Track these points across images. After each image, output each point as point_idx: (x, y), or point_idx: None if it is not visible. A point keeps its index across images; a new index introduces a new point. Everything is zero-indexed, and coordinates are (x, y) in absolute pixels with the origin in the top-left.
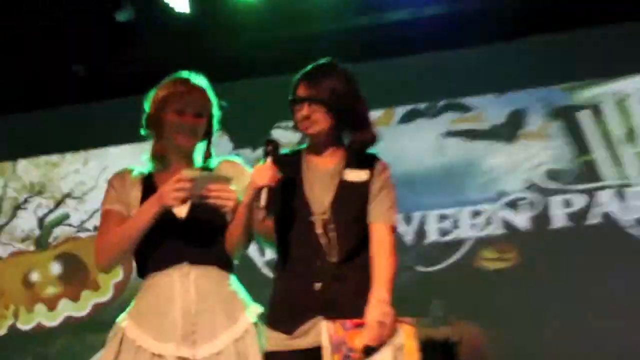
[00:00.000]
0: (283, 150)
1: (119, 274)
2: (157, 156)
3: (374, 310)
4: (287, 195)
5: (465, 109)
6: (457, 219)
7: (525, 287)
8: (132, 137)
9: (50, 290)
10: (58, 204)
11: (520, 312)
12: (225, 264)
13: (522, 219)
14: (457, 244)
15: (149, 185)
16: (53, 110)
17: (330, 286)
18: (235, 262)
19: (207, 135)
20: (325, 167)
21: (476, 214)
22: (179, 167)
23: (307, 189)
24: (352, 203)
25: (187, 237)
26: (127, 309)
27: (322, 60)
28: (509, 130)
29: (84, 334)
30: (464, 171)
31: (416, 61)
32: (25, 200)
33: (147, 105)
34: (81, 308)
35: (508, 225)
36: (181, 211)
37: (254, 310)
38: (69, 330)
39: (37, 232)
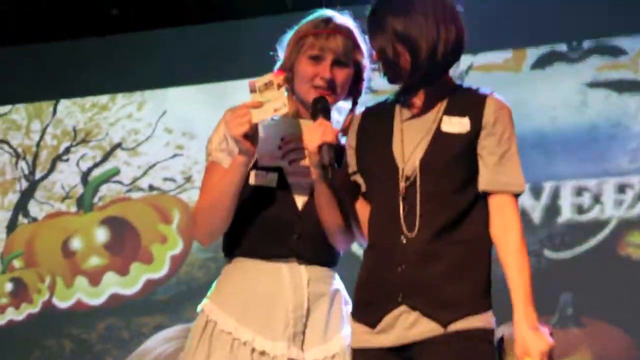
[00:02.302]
0: (374, 101)
1: (177, 246)
2: (289, 116)
3: (532, 342)
4: (372, 153)
5: (616, 52)
6: (598, 193)
7: None
8: (198, 75)
9: (94, 261)
10: (106, 156)
11: None
12: (332, 262)
13: None
14: (598, 225)
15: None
16: (103, 41)
17: (417, 269)
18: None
19: (353, 94)
20: (421, 115)
21: (623, 187)
22: None
23: (397, 144)
24: (446, 162)
25: (301, 231)
26: (209, 295)
27: None
28: None
29: (132, 315)
30: (611, 132)
31: None
32: (67, 150)
33: (281, 51)
34: (130, 284)
35: None
36: (301, 200)
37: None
38: (115, 311)
39: (80, 189)
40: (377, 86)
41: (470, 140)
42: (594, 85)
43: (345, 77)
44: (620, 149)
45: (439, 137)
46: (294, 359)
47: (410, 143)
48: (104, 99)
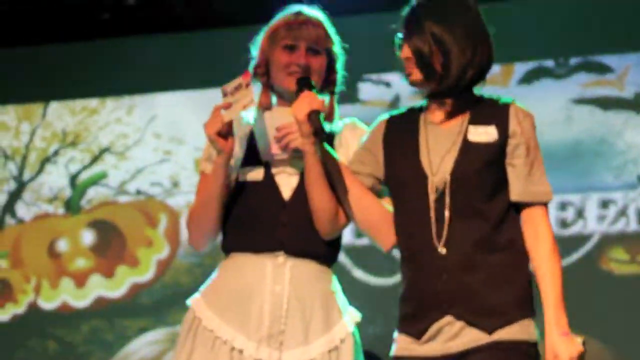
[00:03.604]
0: (398, 110)
1: (162, 250)
2: (264, 107)
3: (563, 347)
4: (400, 162)
5: (603, 69)
6: (581, 208)
7: None
8: (188, 81)
9: (80, 263)
10: (95, 159)
11: None
12: (327, 258)
13: None
14: (580, 239)
15: (251, 143)
16: (94, 44)
17: (460, 279)
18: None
19: (328, 85)
20: (446, 125)
21: (607, 203)
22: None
23: (424, 154)
24: (476, 172)
25: (288, 222)
26: (201, 290)
27: None
28: None
29: (117, 318)
30: (596, 149)
31: (544, 4)
32: (56, 153)
33: (254, 48)
34: (115, 287)
35: None
36: (288, 190)
37: (353, 316)
38: (100, 313)
39: (67, 192)
40: (366, 97)
41: (498, 149)
42: (579, 101)
43: (320, 63)
44: (604, 165)
45: (468, 148)
46: None
47: (437, 153)
48: (93, 102)
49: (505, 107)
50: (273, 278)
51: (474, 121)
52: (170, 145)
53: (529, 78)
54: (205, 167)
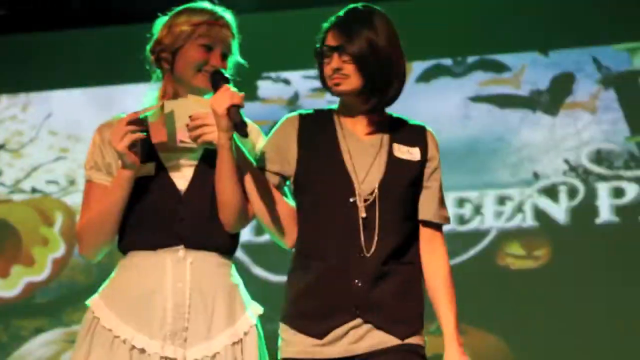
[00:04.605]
0: (305, 110)
1: (58, 248)
2: (169, 98)
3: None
4: (320, 163)
5: (499, 68)
6: (479, 205)
7: (556, 292)
8: (84, 78)
9: None
10: None
11: (548, 322)
12: (227, 250)
13: (559, 210)
14: (477, 235)
15: (143, 139)
16: None
17: (372, 286)
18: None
19: None
20: (366, 137)
21: (503, 199)
22: None
23: (347, 160)
24: (403, 187)
25: (186, 215)
26: (100, 290)
27: (358, 5)
28: (551, 98)
29: (12, 318)
30: (492, 146)
31: (442, 4)
32: None
33: (159, 33)
34: (10, 286)
35: (542, 215)
36: (182, 182)
37: (255, 309)
38: None
39: None
40: (265, 95)
41: (420, 169)
42: (477, 99)
43: (227, 67)
44: (501, 162)
45: (394, 163)
46: (170, 358)
47: (361, 163)
48: None
49: (422, 130)
50: (173, 274)
51: (397, 139)
52: (66, 142)
53: (427, 76)
54: (92, 175)
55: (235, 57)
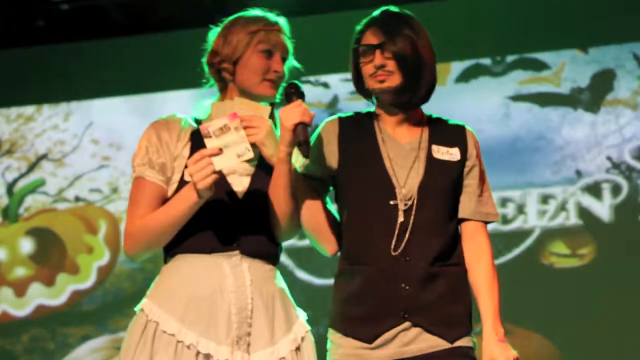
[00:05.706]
0: (344, 114)
1: (103, 256)
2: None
3: (499, 352)
4: (362, 167)
5: (539, 66)
6: (522, 204)
7: (602, 291)
8: (124, 87)
9: (19, 272)
10: (32, 167)
11: (594, 320)
12: (275, 257)
13: (603, 207)
14: (521, 234)
15: (198, 140)
16: (28, 52)
17: (420, 289)
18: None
19: None
20: (405, 140)
21: (546, 198)
22: None
23: (387, 164)
24: (444, 188)
25: (242, 220)
26: (150, 294)
27: (392, 7)
28: (592, 95)
29: (58, 326)
30: (534, 145)
31: (480, 4)
32: None
33: (214, 44)
34: (56, 295)
35: (585, 214)
36: (241, 184)
37: (303, 314)
38: (41, 322)
39: (5, 200)
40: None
41: (460, 169)
42: (517, 98)
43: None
44: (543, 160)
45: (433, 164)
46: None
47: (400, 166)
48: (29, 109)
49: (461, 129)
50: (234, 281)
51: (435, 140)
52: (108, 151)
53: (466, 76)
54: (145, 172)
55: (291, 61)
